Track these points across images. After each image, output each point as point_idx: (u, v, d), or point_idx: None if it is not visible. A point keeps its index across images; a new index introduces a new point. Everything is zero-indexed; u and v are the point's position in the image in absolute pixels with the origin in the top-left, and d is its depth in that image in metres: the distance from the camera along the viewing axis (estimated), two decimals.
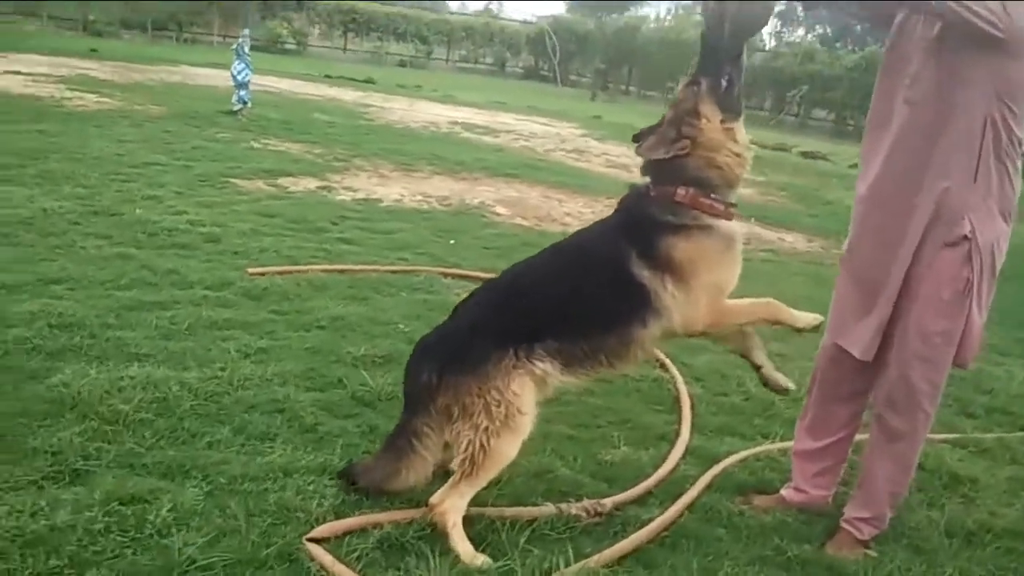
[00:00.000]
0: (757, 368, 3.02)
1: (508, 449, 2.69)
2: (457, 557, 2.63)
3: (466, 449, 2.66)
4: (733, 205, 2.80)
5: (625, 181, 3.72)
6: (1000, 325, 6.48)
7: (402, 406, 2.91)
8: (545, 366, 2.73)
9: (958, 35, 2.59)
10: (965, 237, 2.70)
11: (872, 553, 2.96)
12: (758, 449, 3.66)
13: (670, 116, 2.77)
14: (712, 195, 2.74)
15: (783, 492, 3.28)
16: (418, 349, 2.92)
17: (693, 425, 3.88)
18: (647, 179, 2.84)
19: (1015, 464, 3.85)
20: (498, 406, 2.64)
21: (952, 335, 2.79)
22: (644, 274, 2.70)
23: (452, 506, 2.70)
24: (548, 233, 7.55)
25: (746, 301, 2.86)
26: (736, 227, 2.83)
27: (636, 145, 2.83)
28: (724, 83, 2.72)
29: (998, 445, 4.02)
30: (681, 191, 2.71)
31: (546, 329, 2.74)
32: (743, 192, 2.98)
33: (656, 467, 3.40)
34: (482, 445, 2.64)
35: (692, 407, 4.04)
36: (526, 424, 2.71)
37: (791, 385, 3.01)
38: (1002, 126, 2.64)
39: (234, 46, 11.87)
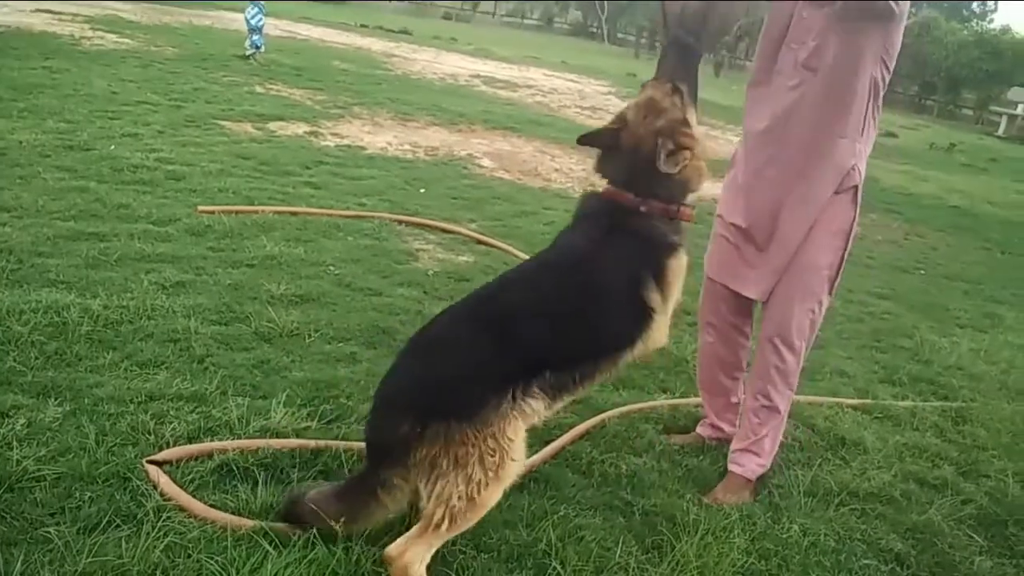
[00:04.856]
0: None
1: (493, 500, 2.35)
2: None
3: (448, 501, 2.28)
4: None
5: None
6: (968, 296, 6.35)
7: (365, 456, 2.53)
8: (537, 404, 2.41)
9: (857, 10, 2.75)
10: (855, 185, 2.95)
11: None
12: (644, 404, 3.65)
13: (660, 126, 2.50)
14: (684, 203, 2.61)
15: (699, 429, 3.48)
16: (388, 393, 2.47)
17: None
18: (627, 191, 2.55)
19: (915, 432, 3.79)
20: (493, 455, 2.30)
21: (834, 267, 3.01)
22: (655, 298, 2.51)
23: (417, 557, 2.30)
24: (527, 187, 7.55)
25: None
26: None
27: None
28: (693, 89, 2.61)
29: (907, 414, 3.96)
30: (686, 211, 2.57)
31: (545, 361, 2.43)
32: None
33: None
34: (471, 497, 2.29)
35: None
36: (515, 472, 2.38)
37: None
38: (880, 82, 2.88)
39: None
